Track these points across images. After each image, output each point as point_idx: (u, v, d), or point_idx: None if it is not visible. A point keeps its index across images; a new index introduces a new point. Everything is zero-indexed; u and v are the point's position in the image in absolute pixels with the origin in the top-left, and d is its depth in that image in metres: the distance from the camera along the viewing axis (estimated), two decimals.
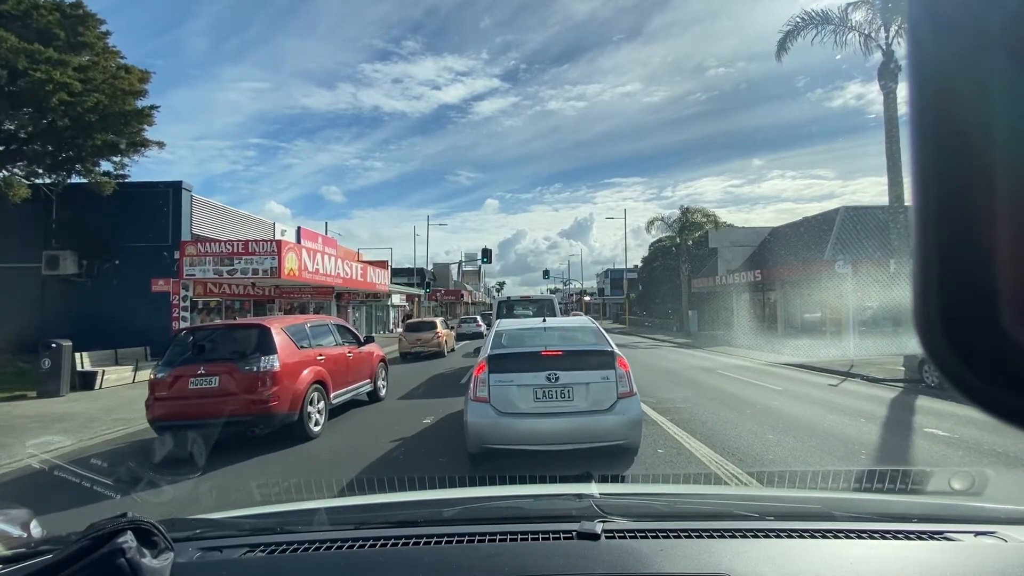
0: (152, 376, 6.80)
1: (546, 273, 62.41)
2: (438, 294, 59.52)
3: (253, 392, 6.45)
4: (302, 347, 7.38)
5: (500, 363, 5.20)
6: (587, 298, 79.26)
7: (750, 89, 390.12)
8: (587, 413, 4.98)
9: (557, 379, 5.03)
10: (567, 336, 6.00)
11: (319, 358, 7.60)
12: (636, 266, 48.00)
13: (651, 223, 35.91)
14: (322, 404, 7.45)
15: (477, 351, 6.49)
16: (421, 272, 66.35)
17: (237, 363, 6.61)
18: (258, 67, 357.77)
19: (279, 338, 6.92)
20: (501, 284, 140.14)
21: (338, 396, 8.05)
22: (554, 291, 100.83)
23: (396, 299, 39.88)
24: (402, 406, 9.30)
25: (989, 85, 0.32)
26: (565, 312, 26.67)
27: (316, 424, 7.19)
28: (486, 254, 35.91)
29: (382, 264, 28.07)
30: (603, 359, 5.23)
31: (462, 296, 63.51)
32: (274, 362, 6.65)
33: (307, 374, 7.14)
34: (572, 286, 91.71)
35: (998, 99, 0.31)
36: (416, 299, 39.57)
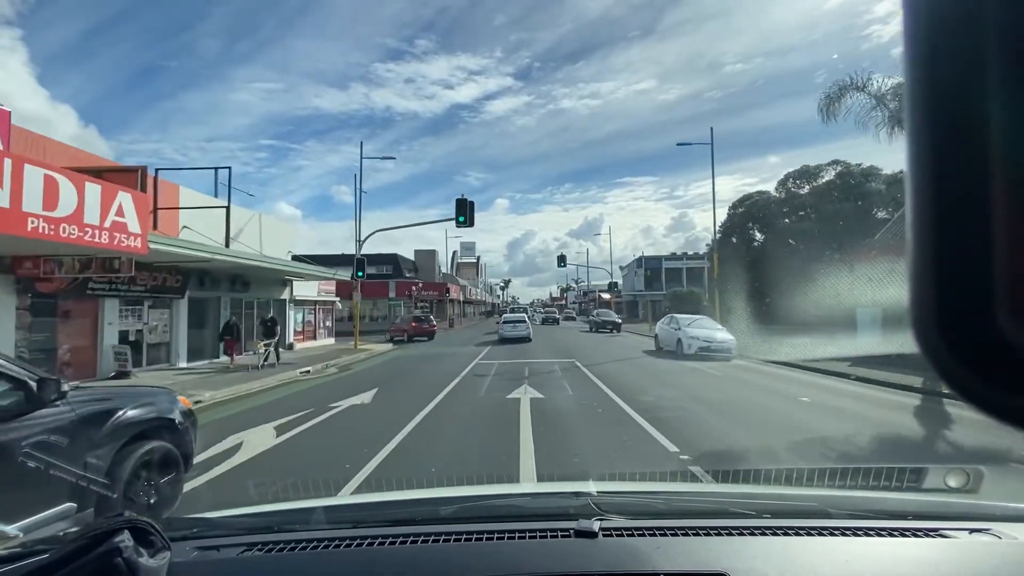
0: (409, 323, 31.70)
1: (561, 260, 46.49)
2: (413, 288, 41.90)
3: (429, 328, 31.25)
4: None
5: (505, 323, 28.88)
6: (606, 295, 65.24)
7: (767, 85, 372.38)
8: (523, 330, 27.23)
9: (515, 325, 27.78)
10: (521, 319, 29.31)
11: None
12: (674, 253, 31.88)
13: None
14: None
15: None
16: (395, 260, 49.85)
17: (425, 323, 31.79)
18: (270, 68, 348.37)
19: (434, 319, 35.72)
20: (507, 282, 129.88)
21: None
22: (566, 289, 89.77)
23: (313, 291, 23.42)
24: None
25: (987, 82, 0.32)
26: (597, 305, 51.41)
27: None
28: (462, 208, 19.98)
29: (126, 174, 10.49)
30: (526, 321, 28.81)
31: (448, 292, 46.70)
32: (433, 322, 33.53)
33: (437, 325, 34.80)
34: (591, 284, 77.69)
35: (996, 97, 0.31)
36: (354, 289, 23.21)
